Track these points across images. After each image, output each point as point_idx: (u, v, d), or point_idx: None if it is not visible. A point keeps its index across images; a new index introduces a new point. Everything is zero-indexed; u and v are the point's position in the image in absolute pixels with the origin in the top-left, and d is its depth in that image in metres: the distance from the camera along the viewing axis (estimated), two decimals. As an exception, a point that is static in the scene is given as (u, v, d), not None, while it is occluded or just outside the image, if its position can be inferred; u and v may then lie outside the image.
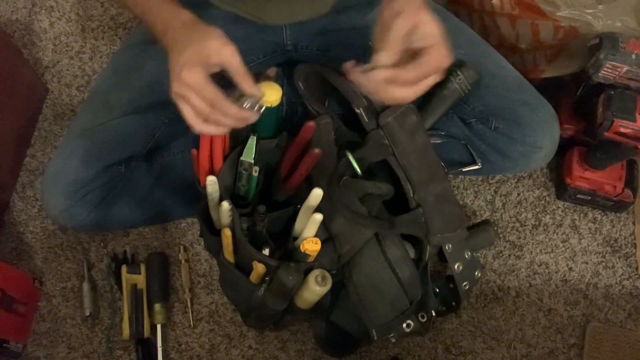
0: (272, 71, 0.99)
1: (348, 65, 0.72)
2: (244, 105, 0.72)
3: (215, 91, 0.70)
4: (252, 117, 0.74)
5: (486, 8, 1.09)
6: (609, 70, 0.96)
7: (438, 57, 0.70)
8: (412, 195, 0.86)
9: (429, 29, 0.69)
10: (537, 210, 1.13)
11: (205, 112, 0.71)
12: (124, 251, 1.07)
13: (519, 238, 1.11)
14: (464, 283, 0.93)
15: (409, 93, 0.71)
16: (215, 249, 0.87)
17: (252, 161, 0.83)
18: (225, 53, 0.71)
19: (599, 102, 0.99)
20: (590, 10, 0.97)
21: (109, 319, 1.02)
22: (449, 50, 0.70)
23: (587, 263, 1.09)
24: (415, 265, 0.88)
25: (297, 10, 0.93)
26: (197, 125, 0.72)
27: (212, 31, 0.72)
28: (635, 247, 1.10)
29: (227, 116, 0.72)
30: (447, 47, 0.70)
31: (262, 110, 0.74)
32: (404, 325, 0.90)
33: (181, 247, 1.07)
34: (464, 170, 1.04)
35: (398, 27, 0.68)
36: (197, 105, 0.71)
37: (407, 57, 0.70)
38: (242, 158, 0.83)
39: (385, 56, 0.69)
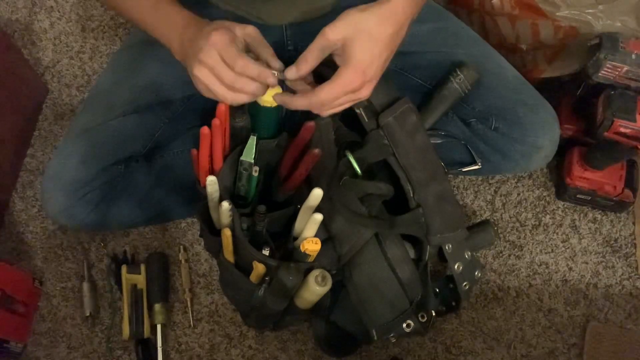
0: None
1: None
2: None
3: (238, 52, 0.70)
4: (273, 80, 0.72)
5: (486, 8, 1.09)
6: (609, 70, 0.96)
7: (342, 84, 0.69)
8: (412, 195, 0.86)
9: (350, 51, 0.68)
10: (537, 210, 1.13)
11: (231, 78, 0.70)
12: (124, 251, 1.06)
13: (519, 238, 1.11)
14: (464, 283, 0.93)
15: (320, 111, 0.73)
16: (215, 249, 0.87)
17: (252, 161, 0.82)
18: (248, 29, 0.72)
19: (599, 102, 0.99)
20: (590, 10, 0.97)
21: (109, 319, 1.02)
22: (360, 84, 0.69)
23: (587, 263, 1.09)
24: (415, 265, 0.88)
25: (297, 11, 0.93)
26: (223, 93, 0.72)
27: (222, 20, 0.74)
28: (635, 247, 1.10)
29: (250, 79, 0.71)
30: (362, 80, 0.69)
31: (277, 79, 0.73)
32: (404, 325, 0.90)
33: (181, 247, 1.07)
34: (464, 170, 1.04)
35: (315, 43, 0.69)
36: (222, 72, 0.70)
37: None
38: (242, 158, 0.83)
39: (288, 73, 0.71)
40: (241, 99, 0.73)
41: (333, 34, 0.69)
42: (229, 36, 0.71)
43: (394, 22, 0.71)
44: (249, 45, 0.74)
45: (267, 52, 0.74)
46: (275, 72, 0.72)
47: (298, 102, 0.72)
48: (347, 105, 0.74)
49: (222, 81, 0.71)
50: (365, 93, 0.72)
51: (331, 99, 0.70)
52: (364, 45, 0.68)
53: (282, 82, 0.77)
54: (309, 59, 0.70)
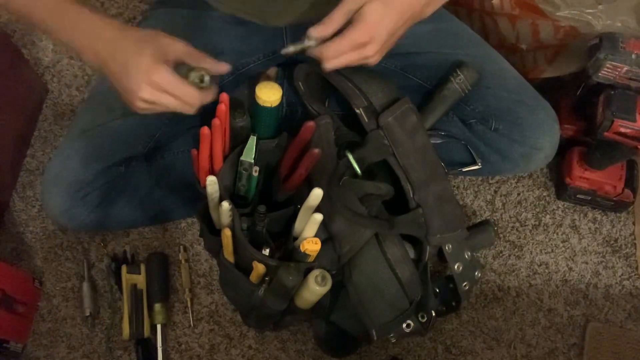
0: (272, 71, 1.00)
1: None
2: (192, 79, 0.75)
3: (187, 84, 0.73)
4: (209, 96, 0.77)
5: (486, 8, 1.09)
6: (609, 70, 0.96)
7: (349, 37, 0.73)
8: (412, 195, 0.86)
9: (364, 13, 0.72)
10: (537, 210, 1.13)
11: (183, 105, 0.74)
12: (124, 251, 1.06)
13: (519, 238, 1.11)
14: (464, 283, 0.93)
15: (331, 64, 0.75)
16: (215, 249, 0.87)
17: (252, 161, 0.83)
18: (178, 46, 0.73)
19: (599, 102, 0.99)
20: (590, 10, 0.97)
21: (109, 319, 1.02)
22: (368, 41, 0.73)
23: (587, 263, 1.09)
24: (415, 266, 0.88)
25: (298, 12, 0.93)
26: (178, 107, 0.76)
27: (152, 32, 0.74)
28: (635, 247, 1.10)
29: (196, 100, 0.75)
30: (369, 37, 0.73)
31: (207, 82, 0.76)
32: (404, 325, 0.90)
33: (181, 247, 1.07)
34: (464, 170, 1.04)
35: (343, 4, 0.72)
36: (171, 104, 0.74)
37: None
38: (242, 158, 0.83)
39: (314, 31, 0.74)
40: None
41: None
42: (170, 73, 0.72)
43: None
44: (186, 62, 0.75)
45: (208, 63, 0.76)
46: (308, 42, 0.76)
47: (312, 50, 0.75)
48: (354, 61, 0.76)
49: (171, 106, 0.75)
50: (371, 53, 0.75)
51: (339, 50, 0.74)
52: (376, 9, 0.72)
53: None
54: (336, 20, 0.73)
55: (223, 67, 0.77)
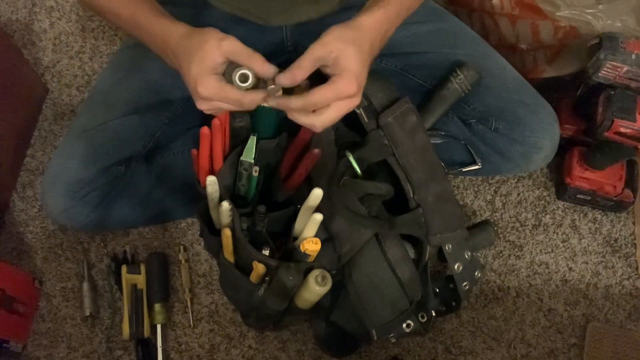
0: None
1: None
2: (235, 80, 0.72)
3: (231, 90, 0.71)
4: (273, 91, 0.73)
5: (486, 8, 1.09)
6: (609, 70, 0.96)
7: (337, 89, 0.70)
8: (412, 195, 0.86)
9: (344, 62, 0.70)
10: (537, 210, 1.13)
11: (236, 107, 0.73)
12: (124, 251, 1.06)
13: (519, 238, 1.11)
14: (464, 283, 0.93)
15: (310, 120, 0.72)
16: (215, 249, 0.87)
17: (252, 161, 0.83)
18: (225, 48, 0.70)
19: (599, 102, 0.99)
20: (590, 10, 0.97)
21: (109, 319, 1.02)
22: (356, 91, 0.71)
23: (587, 263, 1.09)
24: (415, 266, 0.88)
25: (300, 11, 0.93)
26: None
27: (207, 33, 0.72)
28: (635, 247, 1.10)
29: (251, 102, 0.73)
30: (357, 87, 0.71)
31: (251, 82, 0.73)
32: (404, 325, 0.90)
33: (181, 247, 1.07)
34: (464, 170, 1.04)
35: (310, 52, 0.70)
36: (226, 108, 0.73)
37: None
38: (242, 158, 0.83)
39: (282, 78, 0.70)
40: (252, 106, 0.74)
41: (328, 46, 0.70)
42: (215, 82, 0.71)
43: (369, 37, 0.74)
44: (235, 61, 0.72)
45: (255, 63, 0.72)
46: (272, 86, 0.72)
47: (294, 103, 0.72)
48: (341, 114, 0.73)
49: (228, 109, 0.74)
50: (358, 100, 0.74)
51: (324, 100, 0.71)
52: (356, 56, 0.71)
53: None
54: (304, 66, 0.70)
55: (266, 69, 0.72)
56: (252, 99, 0.72)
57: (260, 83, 0.73)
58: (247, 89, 0.72)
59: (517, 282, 1.07)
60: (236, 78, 0.72)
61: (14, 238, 1.09)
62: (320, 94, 0.70)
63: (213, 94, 0.71)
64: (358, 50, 0.71)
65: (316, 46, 0.70)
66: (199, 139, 0.81)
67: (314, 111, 0.72)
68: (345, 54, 0.70)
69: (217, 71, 0.71)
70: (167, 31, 0.76)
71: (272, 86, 0.71)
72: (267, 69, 0.71)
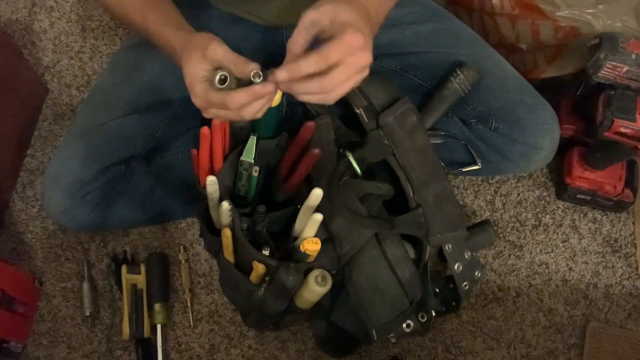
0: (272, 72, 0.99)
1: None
2: (215, 83, 0.69)
3: (214, 93, 0.69)
4: (270, 89, 0.68)
5: (486, 8, 1.09)
6: (609, 70, 0.96)
7: (343, 41, 0.64)
8: (412, 195, 0.86)
9: (343, 17, 0.65)
10: (537, 210, 1.13)
11: (233, 113, 0.70)
12: (124, 251, 1.07)
13: (519, 238, 1.11)
14: (464, 283, 0.93)
15: (322, 85, 0.65)
16: (215, 249, 0.87)
17: (252, 161, 0.83)
18: (209, 57, 0.69)
19: (599, 102, 0.99)
20: (590, 10, 0.97)
21: (109, 319, 1.02)
22: (364, 42, 0.65)
23: (587, 263, 1.09)
24: (415, 265, 0.88)
25: (300, 11, 0.93)
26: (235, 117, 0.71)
27: (195, 41, 0.71)
28: (635, 247, 1.10)
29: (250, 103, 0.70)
30: (364, 38, 0.65)
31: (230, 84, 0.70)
32: (404, 325, 0.90)
33: (181, 247, 1.07)
34: (464, 170, 1.04)
35: (302, 18, 0.66)
36: (223, 115, 0.71)
37: None
38: (242, 158, 0.83)
39: (279, 75, 0.65)
40: (257, 114, 0.71)
41: (321, 8, 0.67)
42: (202, 91, 0.69)
43: (363, 4, 0.70)
44: (222, 67, 0.69)
45: (240, 66, 0.68)
46: (259, 78, 0.68)
47: (304, 65, 0.65)
48: (352, 71, 0.66)
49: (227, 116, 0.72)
50: (369, 56, 0.67)
51: (333, 55, 0.65)
52: (354, 12, 0.67)
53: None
54: (297, 39, 0.67)
55: (243, 69, 0.68)
56: (234, 99, 0.67)
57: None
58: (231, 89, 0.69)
59: (517, 282, 1.07)
60: (216, 81, 0.69)
61: (14, 238, 1.09)
62: (327, 47, 0.65)
63: (201, 102, 0.70)
64: (354, 10, 0.67)
65: (308, 11, 0.66)
66: (199, 139, 0.81)
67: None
68: (342, 11, 0.66)
69: (206, 78, 0.69)
70: (171, 40, 0.76)
71: (258, 80, 0.67)
72: (245, 66, 0.68)
